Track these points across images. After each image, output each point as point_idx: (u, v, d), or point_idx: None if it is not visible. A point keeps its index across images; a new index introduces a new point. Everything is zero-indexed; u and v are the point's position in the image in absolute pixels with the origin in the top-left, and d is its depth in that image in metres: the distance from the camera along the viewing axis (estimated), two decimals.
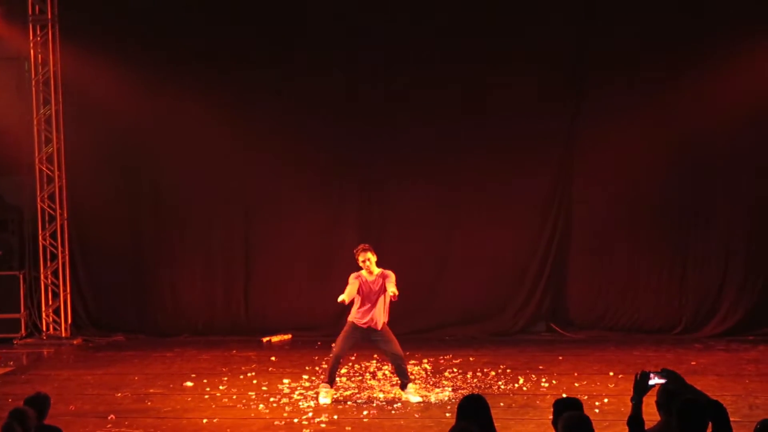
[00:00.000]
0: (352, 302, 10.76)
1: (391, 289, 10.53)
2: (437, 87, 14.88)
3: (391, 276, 10.70)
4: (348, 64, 15.05)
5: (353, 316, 10.85)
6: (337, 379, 11.25)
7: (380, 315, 10.74)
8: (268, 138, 15.17)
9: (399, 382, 10.98)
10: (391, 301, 10.76)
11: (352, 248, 14.92)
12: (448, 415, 9.98)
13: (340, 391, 11.21)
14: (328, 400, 10.69)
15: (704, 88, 14.35)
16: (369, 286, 10.71)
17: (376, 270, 10.74)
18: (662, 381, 6.22)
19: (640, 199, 14.74)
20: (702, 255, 14.71)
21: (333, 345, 10.98)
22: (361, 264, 10.76)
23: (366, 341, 11.03)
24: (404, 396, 10.80)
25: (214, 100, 15.12)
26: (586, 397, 9.89)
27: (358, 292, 10.70)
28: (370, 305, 10.71)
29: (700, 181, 14.63)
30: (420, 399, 10.79)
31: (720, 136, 14.37)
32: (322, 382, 10.96)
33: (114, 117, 15.27)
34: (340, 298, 10.64)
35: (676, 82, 14.45)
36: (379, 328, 10.73)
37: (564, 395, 10.07)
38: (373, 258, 10.76)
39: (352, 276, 10.77)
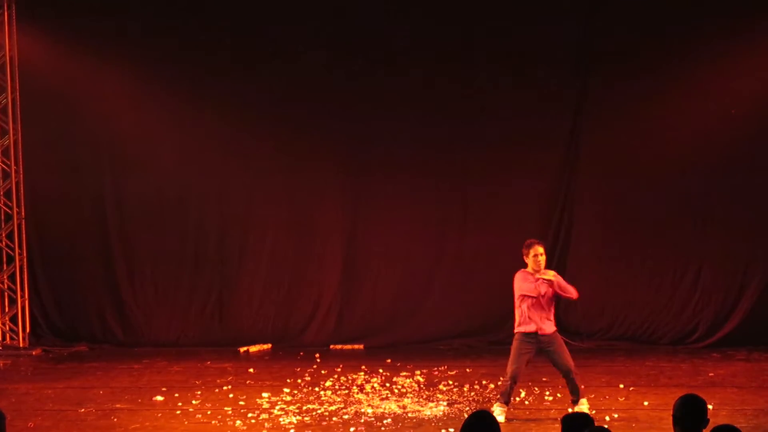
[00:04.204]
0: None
1: (548, 275, 10.40)
2: (437, 84, 15.01)
3: (556, 276, 10.55)
4: (342, 58, 15.11)
5: (519, 325, 10.51)
6: (326, 392, 11.23)
7: (549, 321, 10.51)
8: (244, 137, 15.20)
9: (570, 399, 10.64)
10: (564, 298, 10.73)
11: (335, 251, 15.05)
12: None
13: (324, 406, 11.21)
14: (502, 418, 10.17)
15: (715, 85, 14.50)
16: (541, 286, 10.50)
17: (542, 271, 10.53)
18: None
19: (649, 199, 14.87)
20: (718, 258, 14.81)
21: (508, 365, 10.51)
22: (531, 260, 10.50)
23: (539, 354, 10.63)
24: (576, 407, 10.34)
25: (186, 93, 15.14)
26: (594, 412, 9.99)
27: (532, 293, 10.45)
28: (539, 310, 10.45)
29: (713, 180, 14.73)
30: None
31: (732, 133, 14.47)
32: (497, 401, 10.65)
33: (77, 107, 15.27)
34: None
35: (683, 79, 14.58)
36: (549, 333, 10.46)
37: (570, 410, 10.12)
38: (543, 256, 10.52)
39: (521, 273, 10.57)
